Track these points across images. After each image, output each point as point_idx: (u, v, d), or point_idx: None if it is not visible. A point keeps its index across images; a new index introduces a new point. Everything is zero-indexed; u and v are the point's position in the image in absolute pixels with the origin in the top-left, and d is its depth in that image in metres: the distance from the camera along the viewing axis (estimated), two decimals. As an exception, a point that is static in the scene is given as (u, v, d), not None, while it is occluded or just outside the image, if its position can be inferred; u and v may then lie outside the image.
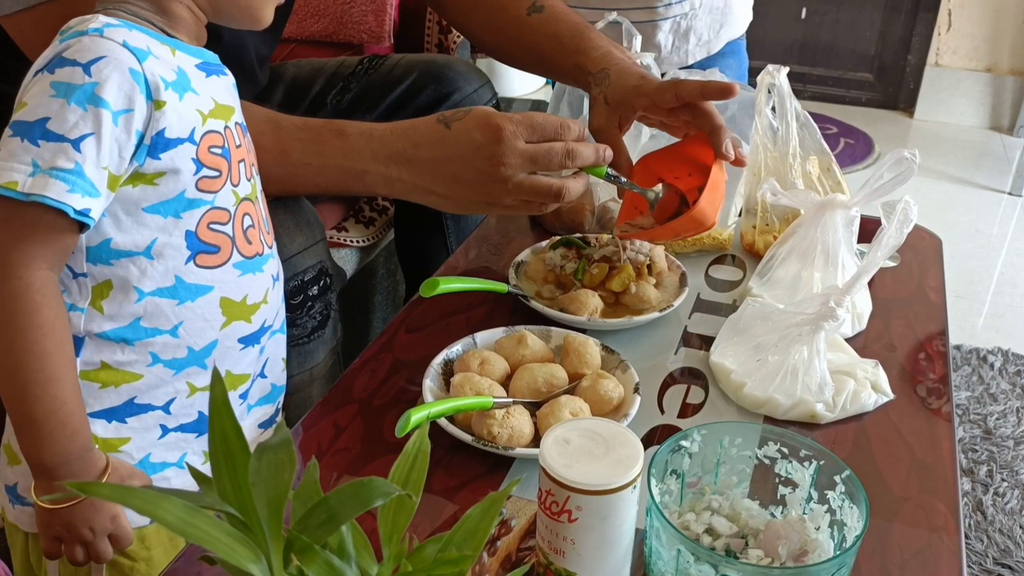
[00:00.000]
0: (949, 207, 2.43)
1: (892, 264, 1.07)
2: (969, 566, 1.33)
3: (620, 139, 0.97)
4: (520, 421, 0.75)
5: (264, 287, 0.77)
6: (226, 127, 0.71)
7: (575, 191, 0.87)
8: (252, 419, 0.79)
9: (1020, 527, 1.39)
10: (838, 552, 0.60)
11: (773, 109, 1.05)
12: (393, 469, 0.47)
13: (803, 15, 3.06)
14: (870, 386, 0.84)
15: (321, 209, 1.15)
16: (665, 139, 1.02)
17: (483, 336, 0.87)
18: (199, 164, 0.68)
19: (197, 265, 0.70)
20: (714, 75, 1.09)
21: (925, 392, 0.87)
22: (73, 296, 0.67)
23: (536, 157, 0.84)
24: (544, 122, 0.85)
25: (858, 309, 0.94)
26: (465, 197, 0.87)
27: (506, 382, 0.82)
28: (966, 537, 1.37)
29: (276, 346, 0.81)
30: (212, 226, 0.70)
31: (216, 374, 0.43)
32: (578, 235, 1.01)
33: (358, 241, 1.37)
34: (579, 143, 0.86)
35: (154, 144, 0.65)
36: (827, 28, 3.07)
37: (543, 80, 3.16)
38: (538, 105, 2.97)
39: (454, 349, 0.85)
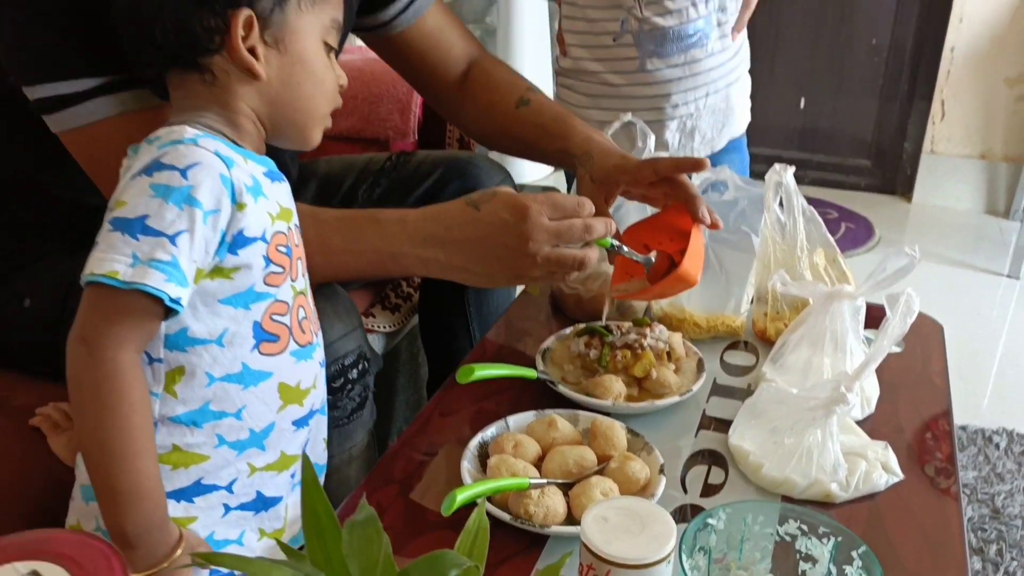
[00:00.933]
0: (949, 290, 2.49)
1: (897, 350, 1.13)
2: (983, 645, 1.36)
3: (608, 212, 1.07)
4: (554, 501, 0.81)
5: (314, 373, 0.83)
6: (288, 228, 0.79)
7: (592, 260, 0.95)
8: (297, 496, 0.84)
9: (1032, 606, 1.41)
10: (858, 623, 0.64)
11: (781, 204, 1.12)
12: (457, 544, 0.52)
13: (802, 104, 3.19)
14: (881, 467, 0.89)
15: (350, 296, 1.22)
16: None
17: (515, 420, 0.92)
18: (268, 261, 0.75)
19: (260, 353, 0.76)
20: (723, 172, 1.17)
21: (933, 472, 0.92)
22: (148, 381, 0.73)
23: (559, 232, 0.92)
24: (564, 201, 0.94)
25: (867, 393, 1.00)
26: (496, 272, 0.95)
27: (538, 463, 0.87)
28: (979, 616, 1.40)
29: (320, 427, 0.87)
30: (274, 317, 0.76)
31: (306, 459, 0.49)
32: (601, 323, 1.08)
33: (385, 327, 1.43)
34: (594, 218, 0.95)
35: (234, 241, 0.72)
36: (825, 116, 3.19)
37: (551, 167, 3.30)
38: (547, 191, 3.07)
39: (488, 432, 0.90)
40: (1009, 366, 2.16)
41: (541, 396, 1.01)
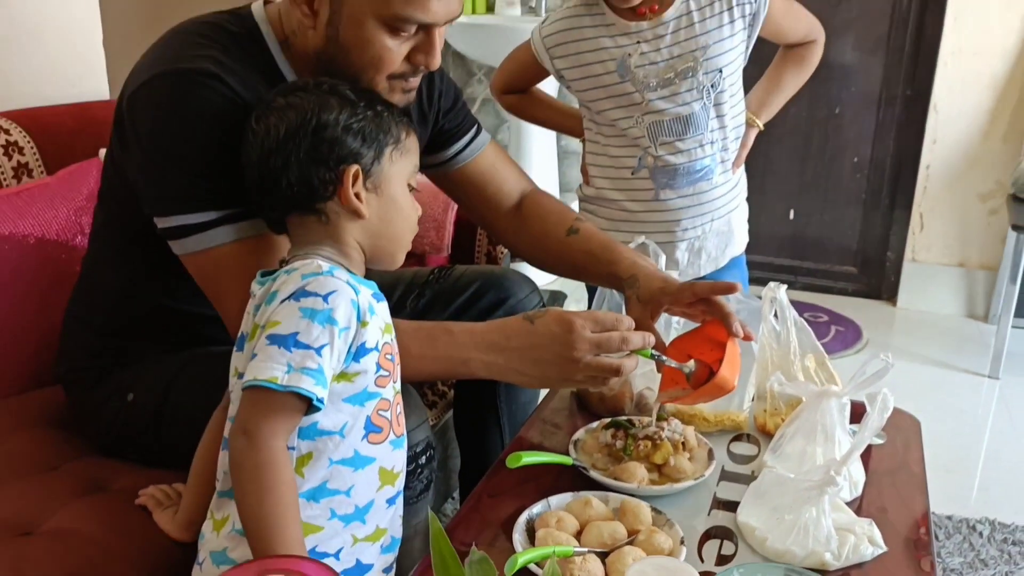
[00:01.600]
0: (935, 389, 2.67)
1: (880, 442, 1.30)
2: None
3: (653, 327, 1.24)
4: (595, 566, 0.96)
5: (403, 459, 1.00)
6: (391, 339, 0.97)
7: (629, 368, 1.13)
8: (381, 564, 1.00)
9: None
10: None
11: (776, 316, 1.31)
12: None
13: (791, 215, 3.42)
14: (867, 540, 1.05)
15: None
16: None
17: (556, 499, 1.09)
18: (379, 367, 0.93)
19: (368, 442, 0.93)
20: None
21: (912, 545, 1.08)
22: None
23: (600, 343, 1.10)
24: (604, 317, 1.12)
25: (854, 478, 1.17)
26: (546, 375, 1.13)
27: (577, 536, 1.03)
28: None
29: (400, 505, 1.03)
30: (380, 413, 0.94)
31: (433, 517, 0.66)
32: (625, 418, 1.25)
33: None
34: (631, 331, 1.12)
35: (357, 351, 0.90)
36: (813, 226, 3.42)
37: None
38: (555, 295, 3.27)
39: (535, 510, 1.07)
40: (991, 460, 2.32)
41: (574, 480, 1.17)
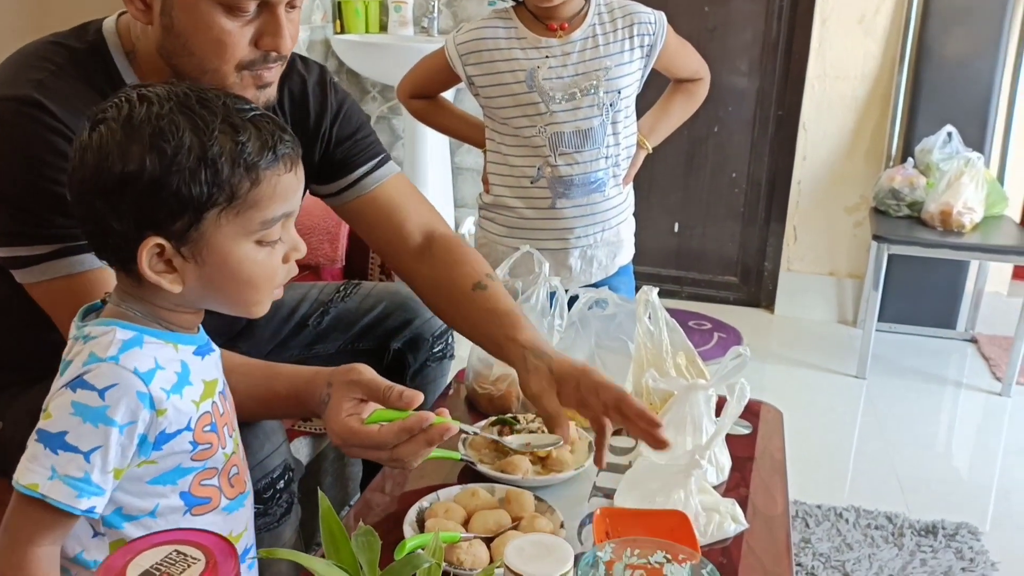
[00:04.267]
0: (807, 389, 2.84)
1: (745, 431, 1.41)
2: None
3: (559, 406, 1.14)
4: (480, 551, 1.03)
5: (246, 519, 0.94)
6: (213, 403, 0.87)
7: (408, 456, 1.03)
8: None
9: (875, 652, 1.67)
10: (705, 615, 0.89)
11: (650, 317, 1.40)
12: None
13: (676, 228, 3.58)
14: (730, 518, 1.15)
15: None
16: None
17: (444, 492, 1.15)
18: (195, 444, 0.84)
19: (192, 515, 0.86)
20: (604, 292, 1.45)
21: (770, 522, 1.18)
22: (92, 552, 0.82)
23: (373, 458, 1.03)
24: (365, 441, 1.01)
25: (720, 463, 1.27)
26: None
27: (465, 524, 1.09)
28: (832, 661, 1.65)
29: (252, 549, 0.97)
30: (203, 483, 0.87)
31: (322, 496, 0.70)
32: (511, 415, 1.32)
33: (316, 429, 1.63)
34: (398, 448, 1.01)
35: (156, 440, 0.81)
36: (696, 239, 3.59)
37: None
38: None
39: (424, 503, 1.12)
40: (859, 453, 2.49)
41: (463, 474, 1.23)
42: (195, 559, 0.56)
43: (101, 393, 0.78)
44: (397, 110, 3.56)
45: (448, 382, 1.61)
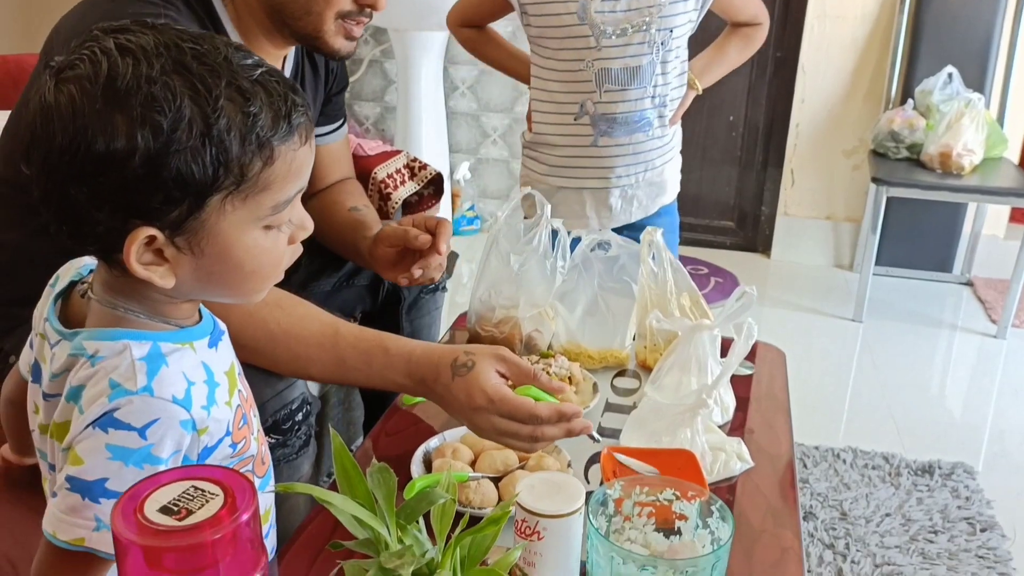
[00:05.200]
0: (804, 333, 2.85)
1: (748, 372, 1.41)
2: (835, 622, 1.63)
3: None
4: (488, 490, 1.03)
5: (269, 498, 0.88)
6: (238, 391, 0.78)
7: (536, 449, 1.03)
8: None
9: (873, 588, 1.70)
10: (715, 548, 0.89)
11: (654, 258, 1.39)
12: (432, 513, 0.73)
13: (672, 173, 3.55)
14: (736, 456, 1.15)
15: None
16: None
17: (450, 433, 1.15)
18: (234, 446, 0.77)
19: None
20: (607, 234, 1.44)
21: (775, 460, 1.19)
22: None
23: (505, 433, 1.00)
24: (519, 407, 0.98)
25: (725, 403, 1.27)
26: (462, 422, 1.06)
27: (472, 465, 1.09)
28: (830, 597, 1.68)
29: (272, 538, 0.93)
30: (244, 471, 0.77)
31: (335, 434, 0.69)
32: (514, 357, 1.31)
33: (318, 374, 1.63)
34: (543, 427, 0.98)
35: (200, 455, 0.73)
36: (693, 184, 3.56)
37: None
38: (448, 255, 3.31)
39: (431, 443, 1.12)
40: (854, 395, 2.51)
41: (468, 417, 1.23)
42: (213, 494, 0.55)
43: (142, 432, 0.67)
44: (389, 53, 3.50)
45: (440, 313, 1.70)
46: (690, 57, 1.76)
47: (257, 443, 0.83)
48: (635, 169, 1.72)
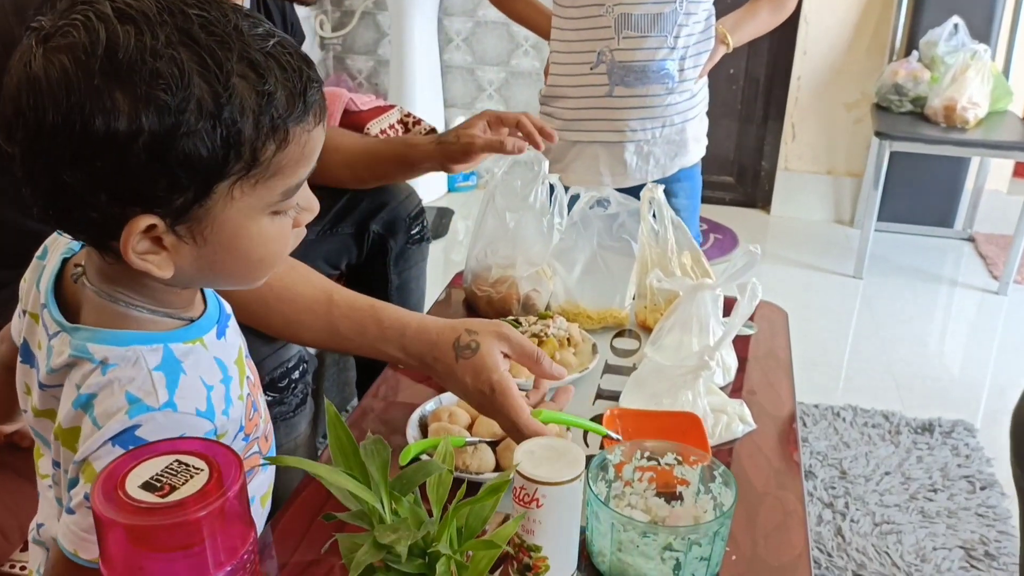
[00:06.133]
0: (803, 290, 2.83)
1: (750, 332, 1.38)
2: (834, 580, 1.63)
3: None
4: (486, 455, 1.01)
5: (270, 472, 0.86)
6: (247, 379, 0.75)
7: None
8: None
9: (872, 546, 1.69)
10: (718, 514, 0.87)
11: (654, 216, 1.36)
12: (428, 482, 0.71)
13: (671, 128, 3.50)
14: (738, 419, 1.13)
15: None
16: None
17: (447, 396, 1.12)
18: (247, 438, 0.74)
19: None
20: (606, 191, 1.40)
21: (778, 422, 1.16)
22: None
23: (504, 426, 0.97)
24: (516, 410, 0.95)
25: (727, 364, 1.24)
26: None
27: (469, 428, 1.07)
28: (829, 556, 1.67)
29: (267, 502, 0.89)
30: (247, 455, 0.77)
31: (329, 404, 0.67)
32: (511, 318, 1.29)
33: (313, 334, 1.61)
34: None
35: None
36: (693, 139, 3.51)
37: (444, 188, 3.52)
38: (443, 212, 3.28)
39: (427, 407, 1.10)
40: (854, 353, 2.49)
41: (465, 379, 1.20)
42: (198, 469, 0.53)
43: None
44: (382, 5, 3.42)
45: (426, 264, 1.71)
46: (719, 16, 1.70)
47: (264, 422, 0.80)
48: (651, 124, 1.67)
